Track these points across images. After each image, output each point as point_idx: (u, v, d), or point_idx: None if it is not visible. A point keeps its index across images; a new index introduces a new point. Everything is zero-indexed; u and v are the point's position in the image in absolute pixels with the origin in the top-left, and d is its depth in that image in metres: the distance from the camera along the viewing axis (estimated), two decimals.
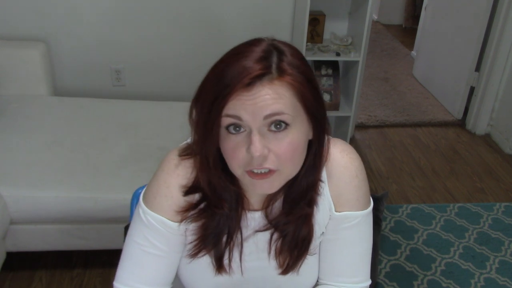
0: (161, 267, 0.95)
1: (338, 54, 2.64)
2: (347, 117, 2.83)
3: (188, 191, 0.90)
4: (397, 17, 5.77)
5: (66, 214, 1.82)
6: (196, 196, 0.91)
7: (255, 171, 0.80)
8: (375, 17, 5.69)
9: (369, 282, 1.00)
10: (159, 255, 0.93)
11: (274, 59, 0.78)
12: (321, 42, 2.75)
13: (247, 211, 0.93)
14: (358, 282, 0.99)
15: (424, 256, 2.26)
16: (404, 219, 2.50)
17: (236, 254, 0.94)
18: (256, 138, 0.77)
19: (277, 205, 0.92)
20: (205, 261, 0.95)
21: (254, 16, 2.69)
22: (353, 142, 3.20)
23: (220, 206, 0.89)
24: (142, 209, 0.93)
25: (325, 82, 2.79)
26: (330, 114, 2.89)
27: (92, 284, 2.01)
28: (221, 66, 0.79)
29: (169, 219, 0.91)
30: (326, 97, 2.79)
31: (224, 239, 0.92)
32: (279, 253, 0.93)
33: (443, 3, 3.80)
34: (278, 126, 0.78)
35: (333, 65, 2.79)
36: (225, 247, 0.92)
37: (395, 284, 2.09)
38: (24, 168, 1.89)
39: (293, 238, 0.91)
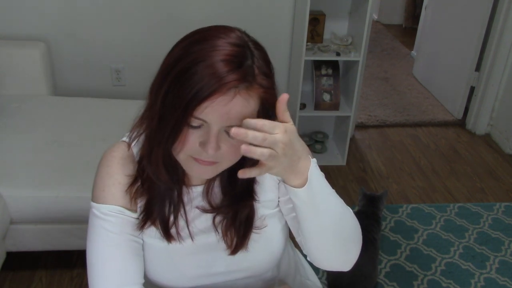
0: (132, 257, 0.94)
1: (338, 54, 2.64)
2: (347, 117, 2.83)
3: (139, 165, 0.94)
4: (397, 17, 5.77)
5: (66, 214, 1.82)
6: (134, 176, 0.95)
7: (197, 157, 0.84)
8: (375, 17, 5.69)
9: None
10: (126, 243, 0.93)
11: (249, 62, 0.79)
12: (321, 42, 2.74)
13: (188, 187, 0.97)
14: None
15: (424, 256, 2.26)
16: (404, 219, 2.50)
17: (182, 222, 0.97)
18: (214, 139, 0.80)
19: (217, 183, 0.97)
20: (155, 237, 0.97)
21: (254, 16, 2.69)
22: (353, 142, 3.20)
23: (153, 186, 0.92)
24: (95, 207, 0.95)
25: (325, 82, 2.79)
26: (330, 114, 2.90)
27: None
28: (193, 64, 0.78)
29: (126, 208, 0.94)
30: (326, 97, 2.79)
31: (167, 209, 0.95)
32: (225, 234, 0.97)
33: (443, 3, 3.81)
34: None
35: (333, 65, 2.79)
36: (169, 216, 0.95)
37: (395, 284, 2.09)
38: (24, 168, 1.89)
39: (236, 219, 0.96)
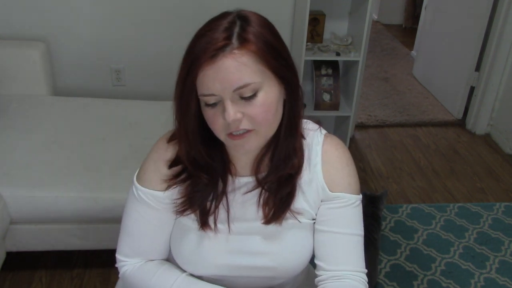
0: (153, 239, 1.06)
1: (338, 54, 2.64)
2: (347, 117, 2.83)
3: (172, 164, 1.00)
4: (397, 17, 5.77)
5: (66, 214, 1.82)
6: (179, 168, 1.00)
7: (234, 133, 0.89)
8: (375, 17, 5.69)
9: (365, 271, 1.04)
10: (150, 227, 1.04)
11: (237, 29, 0.85)
12: (321, 42, 2.75)
13: (234, 177, 1.01)
14: (354, 269, 1.01)
15: (424, 256, 2.26)
16: (404, 219, 2.50)
17: (222, 212, 1.01)
18: (228, 106, 0.85)
19: (265, 173, 1.00)
20: (191, 219, 1.02)
21: None
22: (353, 142, 3.20)
23: (198, 176, 0.97)
24: (134, 185, 1.04)
25: (325, 82, 2.79)
26: (330, 114, 2.90)
27: (92, 284, 2.01)
28: (192, 44, 0.87)
29: (156, 190, 1.01)
30: (326, 97, 2.79)
31: (210, 198, 1.00)
32: (265, 204, 1.00)
33: (443, 3, 3.81)
34: (248, 96, 0.86)
35: (333, 65, 2.79)
36: (210, 205, 1.00)
37: (395, 284, 2.09)
38: (24, 168, 1.89)
39: (278, 193, 0.99)
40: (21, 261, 2.07)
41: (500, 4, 3.08)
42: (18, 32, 2.56)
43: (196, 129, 0.92)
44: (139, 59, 2.75)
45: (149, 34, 2.70)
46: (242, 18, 0.87)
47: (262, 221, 1.00)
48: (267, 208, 1.00)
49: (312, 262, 1.09)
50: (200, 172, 0.97)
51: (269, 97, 0.87)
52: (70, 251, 2.11)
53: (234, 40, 0.84)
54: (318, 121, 1.07)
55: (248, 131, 0.88)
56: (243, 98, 0.85)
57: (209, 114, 0.88)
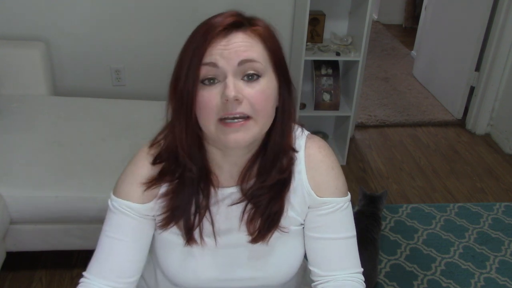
0: (126, 254, 0.97)
1: (338, 54, 2.64)
2: (347, 117, 2.83)
3: (155, 160, 0.96)
4: (397, 17, 5.77)
5: (66, 214, 1.82)
6: (159, 167, 0.96)
7: (228, 121, 0.84)
8: (375, 17, 5.69)
9: (361, 269, 1.02)
10: (124, 240, 0.96)
11: (245, 16, 0.89)
12: (321, 42, 2.74)
13: (217, 189, 0.96)
14: (350, 271, 1.00)
15: (424, 256, 2.26)
16: (404, 219, 2.50)
17: (206, 224, 0.97)
18: (230, 82, 0.83)
19: (252, 182, 0.96)
20: (176, 234, 0.98)
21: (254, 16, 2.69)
22: (353, 142, 3.20)
23: (189, 169, 0.92)
24: (110, 198, 0.99)
25: (325, 82, 2.79)
26: (330, 114, 2.90)
27: None
28: (196, 29, 0.88)
29: (134, 202, 0.96)
30: (326, 97, 2.79)
31: (192, 211, 0.95)
32: (250, 221, 0.96)
33: (443, 3, 3.81)
34: (251, 76, 0.84)
35: (333, 65, 2.79)
36: (194, 220, 0.95)
37: (395, 284, 2.09)
38: (24, 168, 1.89)
39: (266, 210, 0.95)
40: (21, 261, 2.07)
41: (500, 4, 3.08)
42: (18, 32, 2.56)
43: (191, 116, 0.87)
44: (139, 59, 2.75)
45: (149, 34, 2.70)
46: (243, 16, 0.90)
47: (248, 239, 0.97)
48: (251, 227, 0.96)
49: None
50: (190, 165, 0.92)
51: (269, 88, 0.87)
52: (70, 251, 2.11)
53: (246, 22, 0.87)
54: (301, 124, 1.03)
55: (245, 120, 0.84)
56: (246, 79, 0.84)
57: (204, 96, 0.84)
